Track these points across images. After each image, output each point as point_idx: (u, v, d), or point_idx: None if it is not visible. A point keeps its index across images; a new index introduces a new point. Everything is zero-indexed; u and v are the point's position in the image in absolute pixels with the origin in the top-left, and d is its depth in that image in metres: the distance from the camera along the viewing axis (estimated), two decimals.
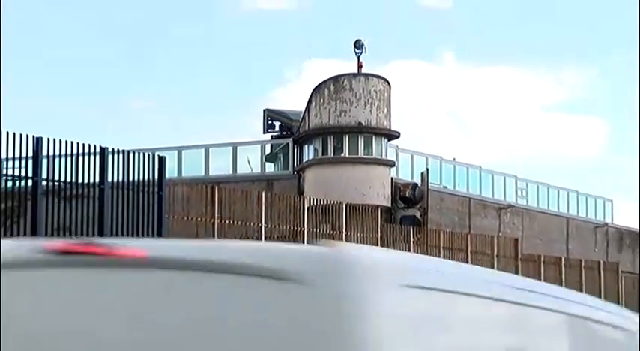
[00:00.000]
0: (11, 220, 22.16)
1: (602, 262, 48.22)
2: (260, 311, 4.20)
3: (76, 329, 4.40)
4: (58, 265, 4.48)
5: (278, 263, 4.23)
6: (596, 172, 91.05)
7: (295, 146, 41.13)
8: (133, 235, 24.27)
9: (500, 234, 44.20)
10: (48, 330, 4.39)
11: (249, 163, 42.85)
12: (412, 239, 35.92)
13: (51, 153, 22.41)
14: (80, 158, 23.15)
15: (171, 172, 31.72)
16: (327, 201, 33.38)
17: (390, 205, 38.97)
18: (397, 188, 39.68)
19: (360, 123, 38.80)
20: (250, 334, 4.20)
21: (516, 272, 40.80)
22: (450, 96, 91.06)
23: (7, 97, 74.87)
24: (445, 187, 44.13)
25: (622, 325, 6.05)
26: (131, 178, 24.33)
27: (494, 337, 4.99)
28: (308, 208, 32.00)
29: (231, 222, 29.05)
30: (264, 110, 43.91)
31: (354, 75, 39.63)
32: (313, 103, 39.51)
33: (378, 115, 39.17)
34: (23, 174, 22.09)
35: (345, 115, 38.91)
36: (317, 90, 39.59)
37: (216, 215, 28.45)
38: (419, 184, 40.57)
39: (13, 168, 21.94)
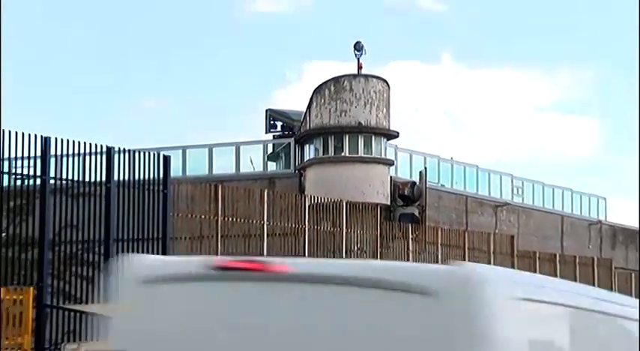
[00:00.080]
0: (20, 218, 22.14)
1: (595, 258, 48.23)
2: (401, 319, 5.05)
3: (234, 328, 5.43)
4: (222, 279, 5.54)
5: (417, 280, 5.08)
6: (590, 170, 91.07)
7: (297, 145, 41.12)
8: (138, 233, 24.27)
9: (497, 231, 44.19)
10: (212, 327, 5.46)
11: (251, 162, 42.83)
12: (411, 236, 35.91)
13: (58, 152, 22.39)
14: (87, 157, 23.14)
15: (175, 170, 31.69)
16: (327, 199, 33.37)
17: (389, 203, 38.96)
18: (396, 186, 39.67)
19: (359, 123, 38.78)
20: (392, 339, 5.06)
21: (512, 268, 40.84)
22: (448, 96, 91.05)
23: (15, 97, 74.86)
24: (443, 186, 44.12)
25: None
26: (137, 177, 24.32)
27: (584, 341, 5.78)
28: (309, 206, 31.98)
29: (234, 219, 29.05)
30: (266, 110, 43.91)
31: (354, 76, 39.61)
32: (314, 104, 39.50)
33: (377, 115, 39.16)
34: (31, 173, 22.08)
35: (345, 115, 38.90)
36: (318, 91, 39.57)
37: (219, 213, 28.43)
38: (417, 183, 40.56)
39: (22, 167, 21.93)
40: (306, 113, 40.09)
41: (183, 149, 42.39)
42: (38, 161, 22.07)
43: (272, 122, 43.45)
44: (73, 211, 22.88)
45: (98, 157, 23.37)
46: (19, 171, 21.87)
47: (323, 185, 37.23)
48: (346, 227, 33.05)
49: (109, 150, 23.58)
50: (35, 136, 21.80)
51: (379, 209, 36.07)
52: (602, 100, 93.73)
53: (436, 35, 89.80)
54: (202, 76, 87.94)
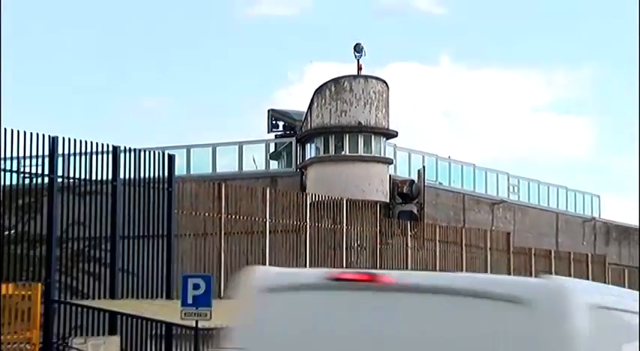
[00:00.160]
0: (28, 216, 22.16)
1: (589, 254, 48.19)
2: (499, 325, 5.77)
3: (347, 332, 6.11)
4: (337, 288, 6.24)
5: (514, 291, 5.82)
6: (584, 169, 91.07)
7: (298, 145, 41.10)
8: (143, 230, 24.28)
9: (493, 228, 44.17)
10: (328, 331, 6.15)
11: (254, 161, 42.82)
12: (409, 233, 35.88)
13: (66, 151, 22.41)
14: (94, 156, 23.16)
15: (180, 169, 31.68)
16: (328, 197, 33.35)
17: (388, 201, 38.96)
18: (395, 185, 39.66)
19: (359, 123, 38.77)
20: (492, 343, 5.76)
21: (508, 265, 40.80)
22: (446, 97, 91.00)
23: (16, 97, 74.79)
24: (441, 184, 44.10)
25: None
26: (142, 176, 24.34)
27: None
28: (310, 204, 31.97)
29: (238, 217, 29.03)
30: (268, 110, 43.89)
31: (354, 77, 39.59)
32: (315, 104, 39.49)
33: (376, 115, 39.14)
34: (39, 171, 22.10)
35: (345, 115, 38.88)
36: (319, 91, 39.56)
37: (223, 210, 28.42)
38: (416, 181, 40.55)
39: (30, 166, 21.95)
40: (307, 113, 40.08)
41: (188, 148, 42.36)
42: (46, 160, 22.09)
43: (274, 122, 43.42)
44: (80, 209, 22.90)
45: (104, 156, 23.39)
46: (27, 170, 21.89)
47: (324, 183, 37.22)
48: (346, 224, 33.04)
49: (115, 149, 23.59)
50: (43, 135, 21.82)
51: (379, 207, 36.06)
52: (596, 101, 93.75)
53: (435, 37, 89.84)
54: (205, 77, 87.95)
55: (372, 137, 39.10)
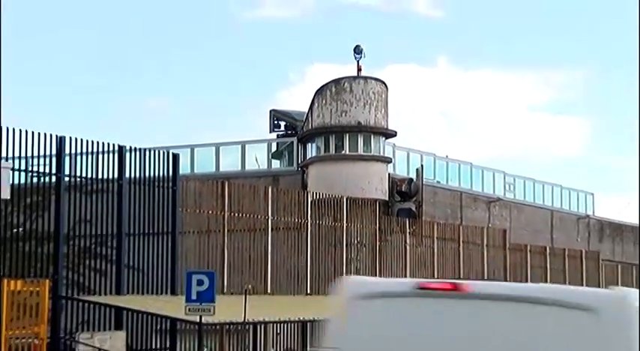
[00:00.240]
0: (36, 214, 22.15)
1: (584, 251, 48.16)
2: (569, 331, 6.42)
3: (431, 334, 6.80)
4: (423, 296, 6.94)
5: (584, 299, 6.53)
6: (579, 167, 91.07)
7: (299, 144, 41.07)
8: (148, 227, 24.26)
9: (490, 225, 44.15)
10: (415, 333, 6.86)
11: (256, 160, 42.79)
12: (408, 230, 35.86)
13: (73, 151, 22.40)
14: (100, 155, 23.14)
15: (184, 168, 31.66)
16: (329, 195, 33.33)
17: (387, 199, 38.93)
18: (394, 183, 39.63)
19: (359, 122, 38.74)
20: (563, 346, 6.43)
21: (504, 261, 40.78)
22: (443, 97, 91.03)
23: (31, 98, 74.77)
24: (438, 182, 44.07)
25: None
26: (147, 174, 24.32)
27: None
28: (311, 202, 31.94)
29: (240, 215, 29.00)
30: (270, 111, 43.84)
31: (354, 78, 39.55)
32: (316, 104, 39.46)
33: (376, 116, 39.11)
34: (47, 170, 22.09)
35: (345, 115, 38.85)
36: (319, 92, 39.52)
37: (226, 208, 28.40)
38: (414, 179, 40.52)
39: (38, 165, 21.94)
40: (308, 113, 40.05)
41: (192, 148, 42.33)
42: (53, 159, 22.08)
43: (276, 122, 43.36)
44: (86, 207, 22.89)
45: (110, 155, 23.37)
46: (35, 169, 21.88)
47: (324, 182, 37.19)
48: (346, 222, 33.01)
49: (121, 149, 23.58)
50: (51, 135, 21.80)
51: (378, 205, 36.03)
52: (590, 101, 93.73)
53: (432, 39, 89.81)
54: (209, 78, 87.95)
55: (372, 137, 39.06)
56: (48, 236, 22.04)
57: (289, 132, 42.76)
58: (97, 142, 22.86)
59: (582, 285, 45.89)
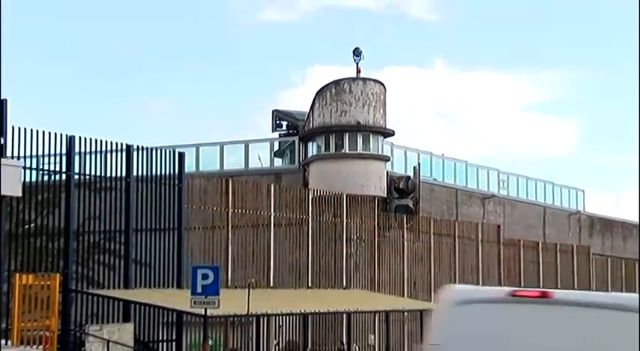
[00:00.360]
0: (47, 210, 22.14)
1: (575, 245, 48.13)
2: (632, 330, 7.29)
3: (522, 335, 7.71)
4: (515, 302, 7.84)
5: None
6: (570, 165, 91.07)
7: (301, 143, 41.01)
8: (155, 223, 24.23)
9: (484, 221, 44.11)
10: (507, 334, 7.75)
11: (259, 158, 42.73)
12: (405, 226, 35.84)
13: (82, 150, 22.38)
14: (108, 154, 23.12)
15: (189, 166, 31.60)
16: (329, 192, 33.31)
17: (385, 196, 38.87)
18: (392, 180, 39.58)
19: (358, 122, 38.69)
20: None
21: (499, 255, 40.76)
22: (440, 98, 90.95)
23: (41, 99, 74.71)
24: (435, 179, 44.01)
25: None
26: (154, 172, 24.31)
27: None
28: (312, 199, 31.92)
29: (244, 211, 28.99)
30: (272, 111, 43.77)
31: (353, 79, 39.49)
32: (316, 105, 39.41)
33: (374, 115, 39.06)
34: (57, 169, 22.06)
35: (345, 115, 38.80)
36: (320, 93, 39.47)
37: (230, 205, 28.38)
38: (411, 177, 40.46)
39: (49, 163, 21.92)
40: (309, 113, 40.00)
41: (197, 147, 42.27)
42: (63, 158, 22.06)
43: (278, 122, 43.28)
44: (95, 204, 22.88)
45: (118, 154, 23.35)
46: (45, 167, 21.86)
47: (325, 179, 37.14)
48: (346, 218, 33.00)
49: (129, 148, 23.55)
50: (61, 135, 21.79)
51: (377, 201, 36.00)
52: (581, 101, 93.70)
53: (429, 42, 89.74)
54: (213, 79, 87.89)
55: (371, 136, 39.00)
56: (58, 232, 22.03)
57: (291, 131, 42.69)
58: (106, 142, 22.85)
59: (573, 278, 45.92)
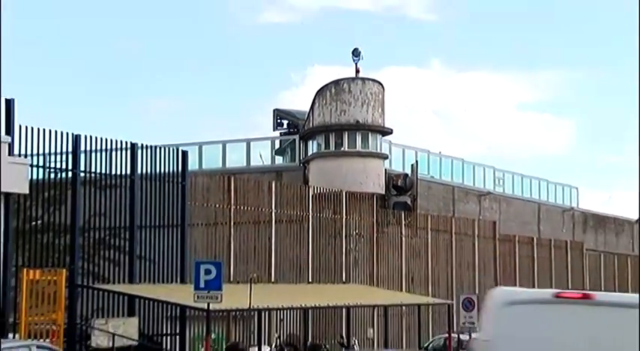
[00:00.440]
0: (54, 207, 22.13)
1: (568, 241, 48.15)
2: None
3: (566, 333, 8.38)
4: (559, 303, 8.57)
5: None
6: (564, 163, 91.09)
7: (301, 141, 41.04)
8: (159, 220, 24.23)
9: (480, 217, 44.13)
10: (553, 333, 8.41)
11: (260, 156, 42.75)
12: (403, 222, 35.85)
13: (88, 148, 22.36)
14: (113, 152, 23.11)
15: (192, 164, 31.63)
16: (329, 189, 33.31)
17: (384, 193, 38.90)
18: (390, 178, 39.60)
19: (357, 121, 38.71)
20: None
21: (494, 251, 40.77)
22: (437, 97, 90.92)
23: (41, 99, 74.69)
24: (432, 177, 44.04)
25: None
26: (158, 170, 24.29)
27: None
28: (312, 196, 31.93)
29: (245, 208, 29.00)
30: (273, 110, 43.79)
31: (352, 79, 39.51)
32: (316, 104, 39.42)
33: (373, 114, 39.07)
34: (64, 166, 22.05)
35: (344, 114, 38.81)
36: (320, 92, 39.48)
37: (232, 202, 28.40)
38: (409, 174, 40.49)
39: (55, 161, 21.91)
40: (309, 112, 40.01)
41: (200, 145, 42.30)
42: (69, 156, 22.05)
43: (279, 121, 43.30)
44: (100, 201, 22.87)
45: (123, 152, 23.35)
46: (52, 165, 21.85)
47: (325, 177, 37.16)
48: (346, 214, 33.00)
49: (133, 146, 23.54)
50: (67, 133, 21.77)
51: (375, 198, 36.02)
52: (575, 101, 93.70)
53: (427, 42, 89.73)
54: (215, 80, 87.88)
55: (369, 134, 39.02)
56: (65, 228, 22.03)
57: (291, 130, 42.71)
58: (111, 140, 22.83)
59: (567, 273, 45.91)
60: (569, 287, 43.80)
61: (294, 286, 28.93)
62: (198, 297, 18.71)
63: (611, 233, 58.00)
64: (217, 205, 28.38)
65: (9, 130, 19.60)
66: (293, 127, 42.55)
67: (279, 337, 28.16)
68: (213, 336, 22.75)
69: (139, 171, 23.64)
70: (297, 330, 29.76)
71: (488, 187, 48.07)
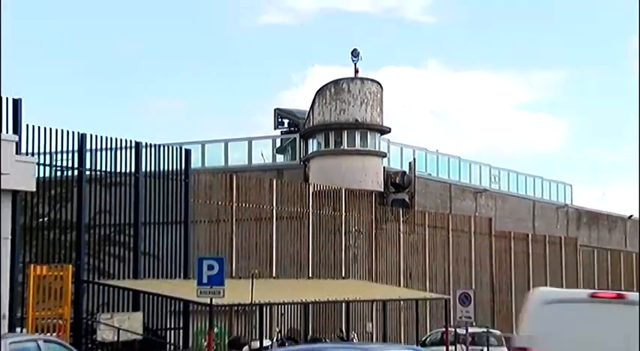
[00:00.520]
0: (60, 204, 22.15)
1: (563, 237, 48.15)
2: None
3: (601, 330, 9.19)
4: (594, 302, 9.41)
5: None
6: (558, 160, 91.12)
7: (301, 140, 41.01)
8: (163, 217, 24.23)
9: (477, 214, 44.12)
10: (587, 329, 9.24)
11: (262, 154, 42.74)
12: (402, 219, 35.85)
13: (93, 147, 22.37)
14: (118, 151, 23.12)
15: (195, 162, 31.63)
16: (328, 187, 33.32)
17: (382, 190, 38.88)
18: (388, 175, 39.58)
19: (356, 120, 38.69)
20: None
21: (490, 247, 40.77)
22: (434, 97, 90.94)
23: (41, 99, 74.65)
24: (429, 175, 44.02)
25: None
26: (161, 168, 24.30)
27: None
28: (313, 193, 31.94)
29: (247, 205, 29.01)
30: (274, 109, 43.75)
31: (352, 79, 39.47)
32: (316, 103, 39.40)
33: (372, 114, 39.05)
34: (70, 165, 22.07)
35: (344, 114, 38.79)
36: (320, 92, 39.45)
37: (234, 199, 28.41)
38: (407, 172, 40.46)
39: (61, 160, 21.93)
40: (309, 112, 39.99)
41: (202, 144, 42.27)
42: (75, 155, 22.06)
43: (280, 120, 43.26)
44: (106, 198, 22.89)
45: (128, 150, 23.35)
46: (58, 163, 21.86)
47: (325, 175, 37.14)
48: (345, 211, 33.01)
49: (138, 145, 23.55)
50: (73, 132, 21.80)
51: (374, 196, 36.02)
52: (569, 100, 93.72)
53: (424, 43, 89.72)
54: (217, 80, 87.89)
55: (368, 133, 38.99)
56: (71, 225, 22.04)
57: (292, 129, 42.68)
58: (116, 139, 22.84)
59: (561, 268, 45.92)
60: (563, 283, 43.85)
61: (294, 282, 28.94)
62: (201, 292, 18.73)
63: (604, 229, 58.00)
64: (220, 203, 28.39)
65: (16, 129, 19.61)
66: (293, 126, 42.52)
67: (280, 331, 28.18)
68: (215, 330, 22.76)
69: (144, 169, 23.66)
70: (297, 324, 29.79)
71: (484, 184, 48.06)
